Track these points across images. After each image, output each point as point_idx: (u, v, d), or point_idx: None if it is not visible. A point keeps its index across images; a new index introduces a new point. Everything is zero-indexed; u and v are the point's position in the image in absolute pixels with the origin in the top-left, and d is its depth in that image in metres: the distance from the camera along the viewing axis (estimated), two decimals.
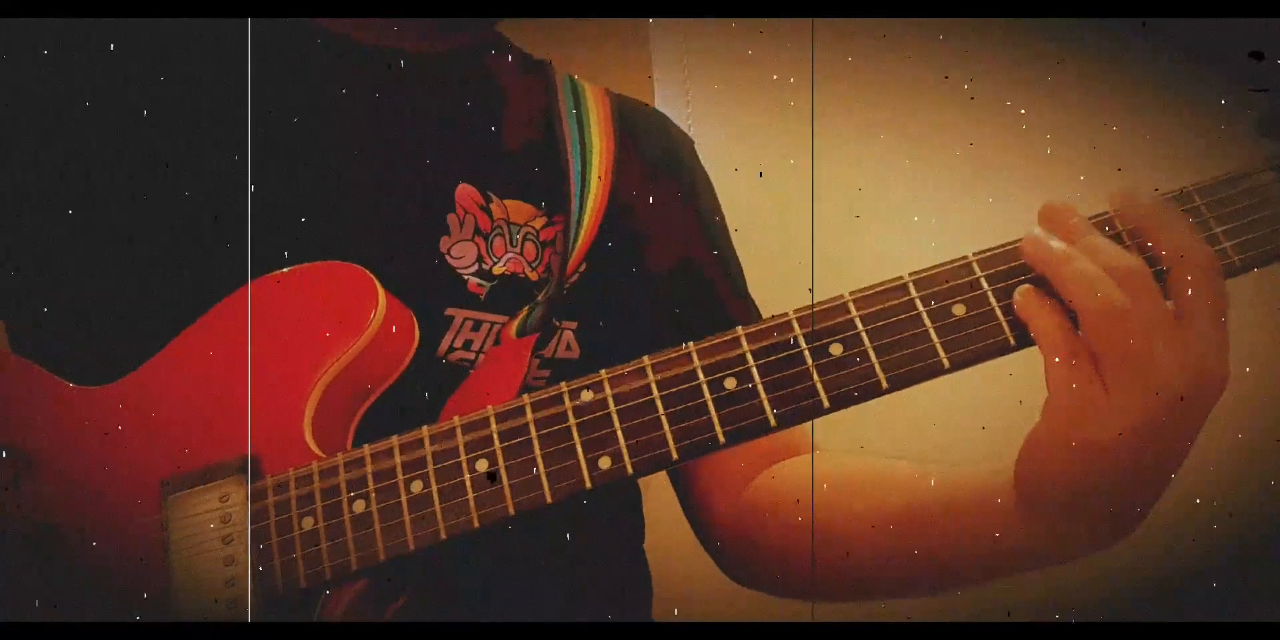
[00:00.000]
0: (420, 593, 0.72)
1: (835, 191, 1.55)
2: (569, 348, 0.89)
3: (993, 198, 1.40)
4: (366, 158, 0.86)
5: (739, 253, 1.01)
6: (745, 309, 0.97)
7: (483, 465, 0.70)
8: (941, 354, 0.65)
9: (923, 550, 0.76)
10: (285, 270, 0.79)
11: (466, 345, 0.84)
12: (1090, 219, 0.66)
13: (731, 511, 0.91)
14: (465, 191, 0.87)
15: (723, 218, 1.01)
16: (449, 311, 0.84)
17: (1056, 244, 0.64)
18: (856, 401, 0.66)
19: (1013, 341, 0.65)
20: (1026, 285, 0.65)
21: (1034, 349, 0.65)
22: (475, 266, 0.85)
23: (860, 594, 0.83)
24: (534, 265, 0.88)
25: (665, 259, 0.94)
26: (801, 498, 0.85)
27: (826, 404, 0.66)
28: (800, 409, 0.67)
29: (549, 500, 0.68)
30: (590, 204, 0.89)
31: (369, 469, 0.71)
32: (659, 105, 1.70)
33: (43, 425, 0.79)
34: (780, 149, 1.58)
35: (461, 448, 0.70)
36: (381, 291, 0.78)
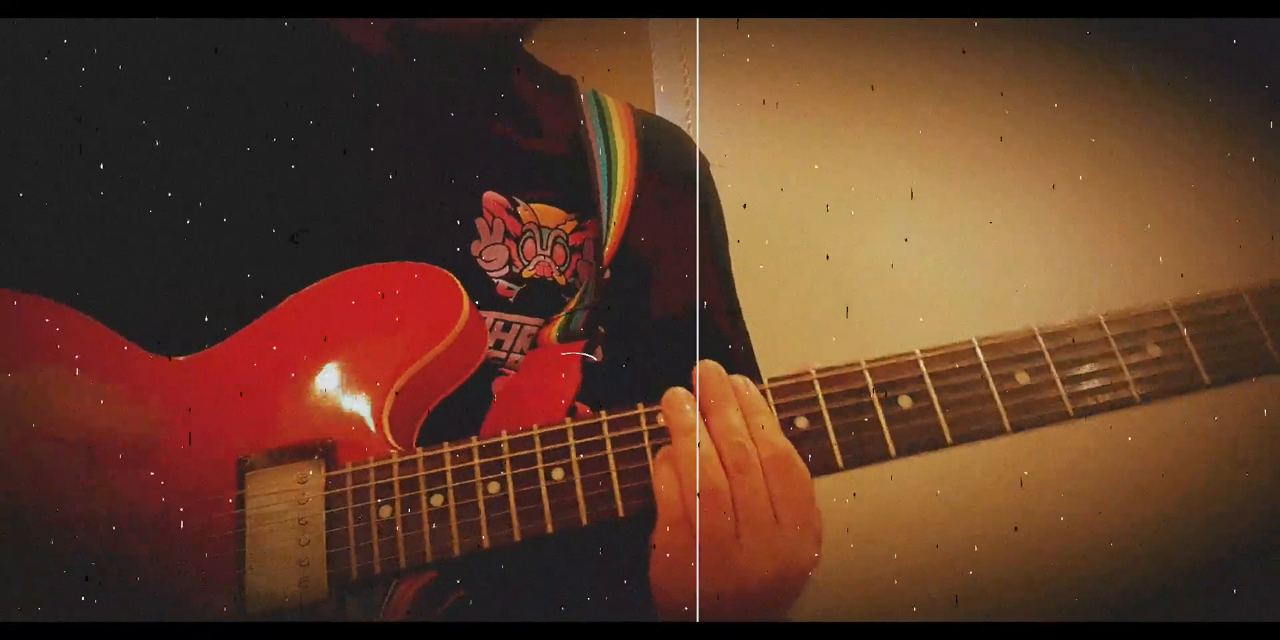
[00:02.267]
0: (477, 587, 0.76)
1: (835, 190, 1.59)
2: (594, 353, 0.92)
3: (993, 197, 1.45)
4: (394, 165, 0.89)
5: (742, 252, 1.06)
6: (735, 332, 1.01)
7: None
8: (1004, 417, 0.70)
9: None
10: (378, 265, 0.82)
11: (497, 345, 0.89)
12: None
13: None
14: (491, 197, 0.91)
15: (726, 239, 1.05)
16: (480, 313, 0.87)
17: (685, 416, 0.71)
18: (920, 452, 0.71)
19: (1071, 412, 0.70)
20: (666, 448, 0.71)
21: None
22: (506, 270, 0.89)
23: None
24: (562, 269, 0.92)
25: (674, 272, 0.98)
26: None
27: (893, 452, 0.71)
28: (865, 454, 0.72)
29: (620, 514, 0.72)
30: (616, 212, 0.93)
31: (448, 467, 0.75)
32: (659, 105, 1.73)
33: (120, 394, 0.80)
34: (781, 149, 1.61)
35: (539, 456, 0.74)
36: (466, 298, 0.81)
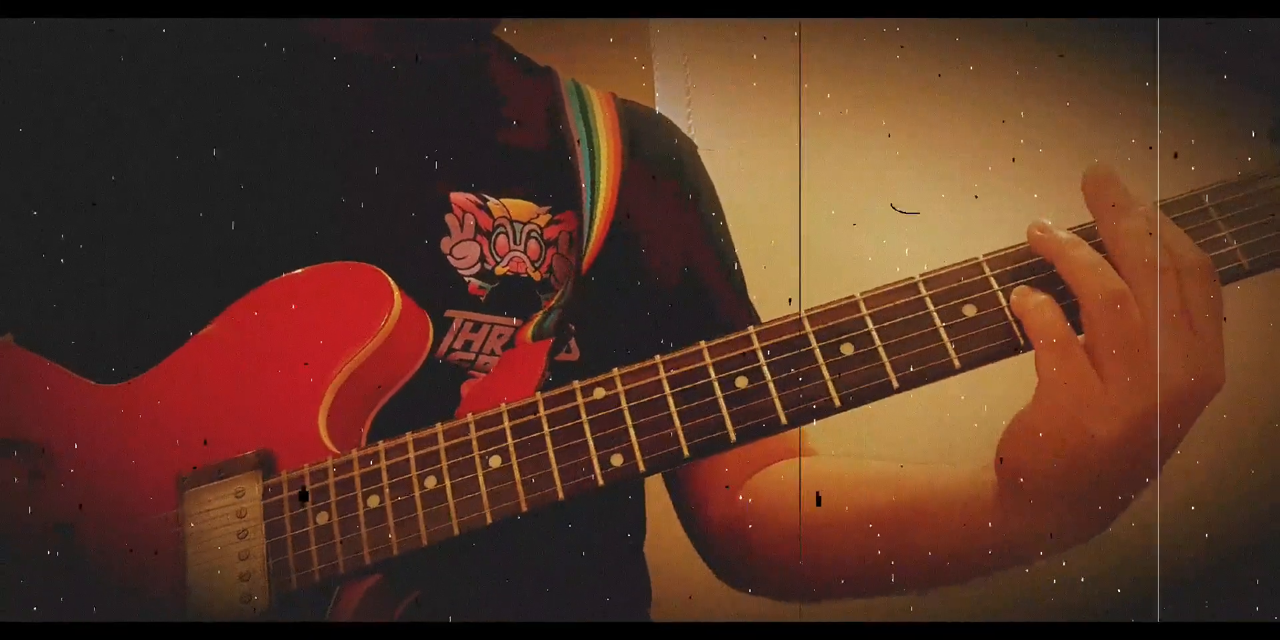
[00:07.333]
0: (433, 588, 0.73)
1: (835, 191, 1.55)
2: (568, 350, 0.89)
3: (992, 198, 1.41)
4: (360, 162, 0.86)
5: (741, 254, 1.02)
6: (745, 315, 0.98)
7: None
8: (952, 354, 0.65)
9: (909, 548, 0.77)
10: (301, 270, 0.80)
11: (466, 346, 0.85)
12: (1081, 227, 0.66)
13: (724, 516, 0.92)
14: (458, 194, 0.87)
15: (725, 222, 1.01)
16: (448, 313, 0.84)
17: (1063, 233, 0.65)
18: (868, 401, 0.67)
19: (1023, 342, 0.65)
20: (1021, 285, 0.65)
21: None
22: (478, 267, 0.86)
23: (851, 593, 0.84)
24: (537, 265, 0.88)
25: (668, 263, 0.95)
26: (791, 501, 0.86)
27: (837, 403, 0.66)
28: (811, 408, 0.67)
29: (560, 497, 0.69)
30: (600, 205, 0.90)
31: (383, 464, 0.72)
32: (659, 106, 1.71)
33: (61, 421, 0.79)
34: (781, 150, 1.58)
35: (475, 443, 0.71)
36: (396, 291, 0.78)
